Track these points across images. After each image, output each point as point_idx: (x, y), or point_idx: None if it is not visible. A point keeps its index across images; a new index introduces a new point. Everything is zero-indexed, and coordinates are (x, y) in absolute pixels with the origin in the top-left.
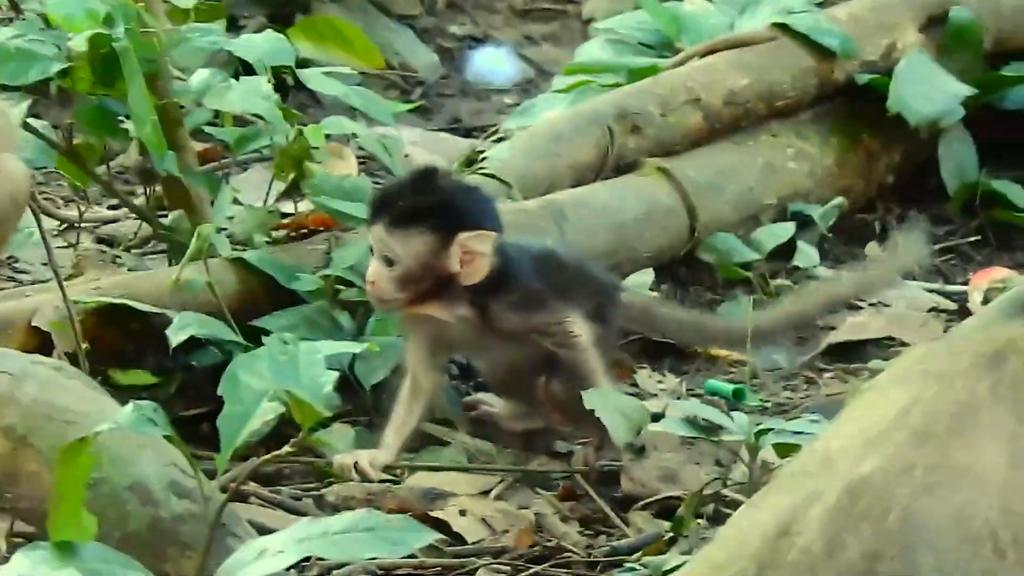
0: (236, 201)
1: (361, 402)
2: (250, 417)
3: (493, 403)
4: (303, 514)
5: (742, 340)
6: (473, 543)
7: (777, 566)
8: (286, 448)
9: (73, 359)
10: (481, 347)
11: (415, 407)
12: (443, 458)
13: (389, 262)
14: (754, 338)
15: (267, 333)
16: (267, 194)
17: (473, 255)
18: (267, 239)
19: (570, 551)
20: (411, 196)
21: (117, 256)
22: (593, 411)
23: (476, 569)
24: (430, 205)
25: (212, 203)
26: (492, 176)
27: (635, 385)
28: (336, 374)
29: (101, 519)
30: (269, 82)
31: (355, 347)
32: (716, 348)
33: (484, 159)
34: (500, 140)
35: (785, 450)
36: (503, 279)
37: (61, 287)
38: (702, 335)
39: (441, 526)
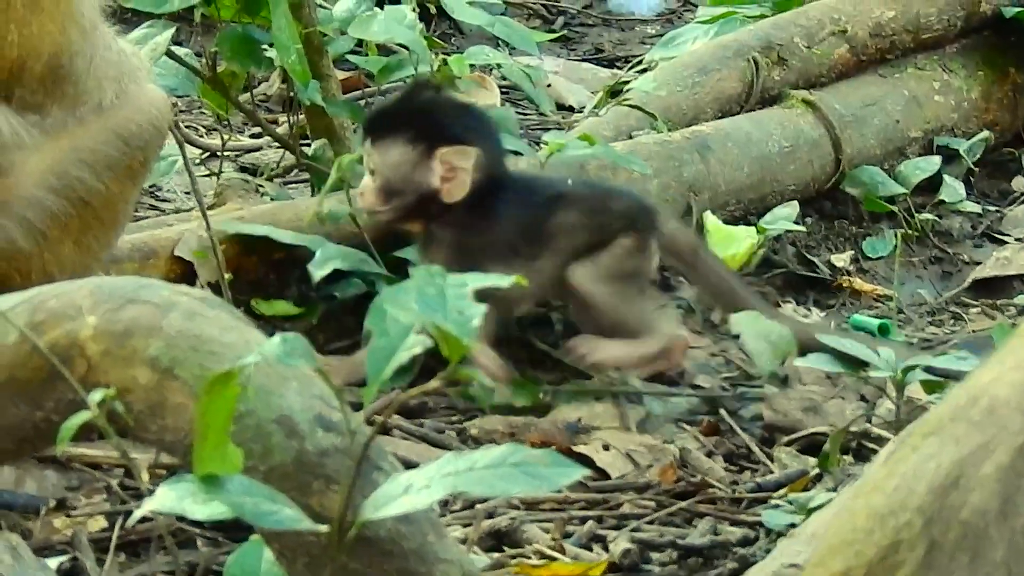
0: None
1: (505, 334)
2: (397, 350)
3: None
4: (446, 447)
5: None
6: (617, 478)
7: (947, 522)
8: (433, 382)
9: (216, 289)
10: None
11: None
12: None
13: (372, 173)
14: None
15: (409, 263)
16: None
17: (455, 171)
18: None
19: (715, 486)
20: (396, 108)
21: (259, 185)
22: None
23: (620, 504)
24: (412, 117)
25: (354, 132)
26: (636, 107)
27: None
28: (484, 307)
29: (246, 452)
30: (413, 11)
31: (503, 280)
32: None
33: (628, 90)
34: (644, 71)
35: (932, 387)
36: (486, 204)
37: (204, 216)
38: (726, 301)
39: (584, 460)
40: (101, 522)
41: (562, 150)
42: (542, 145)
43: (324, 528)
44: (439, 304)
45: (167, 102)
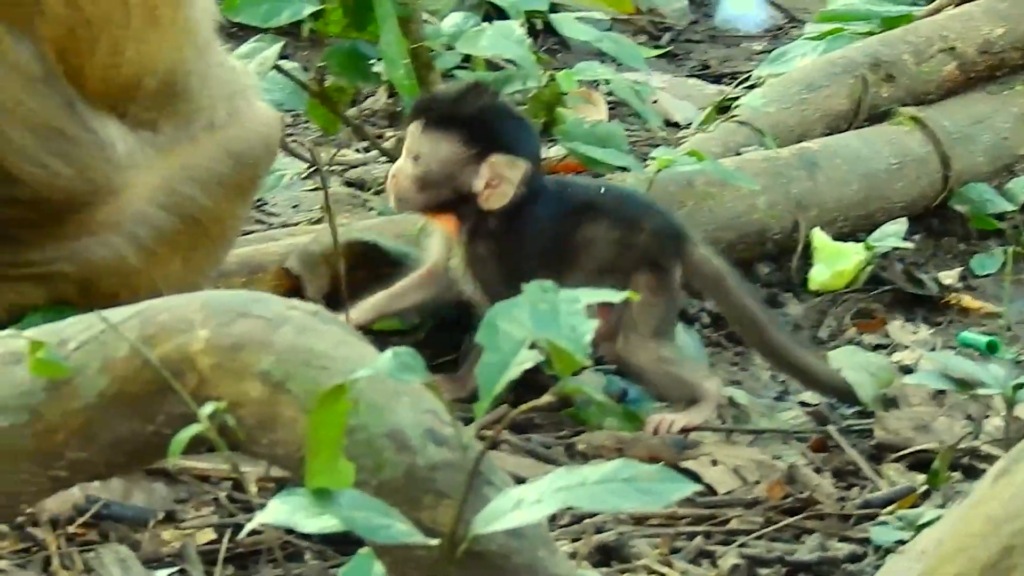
0: None
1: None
2: (509, 365)
3: None
4: (553, 462)
5: (783, 361)
6: (724, 494)
7: None
8: (545, 396)
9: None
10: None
11: (416, 292)
12: None
13: (416, 159)
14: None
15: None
16: None
17: (500, 180)
18: None
19: (823, 503)
20: (456, 104)
21: (366, 199)
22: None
23: (728, 520)
24: (471, 117)
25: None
26: (745, 123)
27: (887, 336)
28: (596, 323)
29: (357, 466)
30: (521, 27)
31: (614, 296)
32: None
33: (736, 106)
34: (752, 87)
35: None
36: (520, 216)
37: (333, 227)
38: (753, 333)
39: (692, 476)
40: (209, 534)
41: (670, 166)
42: (649, 161)
43: (435, 542)
44: (552, 320)
45: (277, 120)
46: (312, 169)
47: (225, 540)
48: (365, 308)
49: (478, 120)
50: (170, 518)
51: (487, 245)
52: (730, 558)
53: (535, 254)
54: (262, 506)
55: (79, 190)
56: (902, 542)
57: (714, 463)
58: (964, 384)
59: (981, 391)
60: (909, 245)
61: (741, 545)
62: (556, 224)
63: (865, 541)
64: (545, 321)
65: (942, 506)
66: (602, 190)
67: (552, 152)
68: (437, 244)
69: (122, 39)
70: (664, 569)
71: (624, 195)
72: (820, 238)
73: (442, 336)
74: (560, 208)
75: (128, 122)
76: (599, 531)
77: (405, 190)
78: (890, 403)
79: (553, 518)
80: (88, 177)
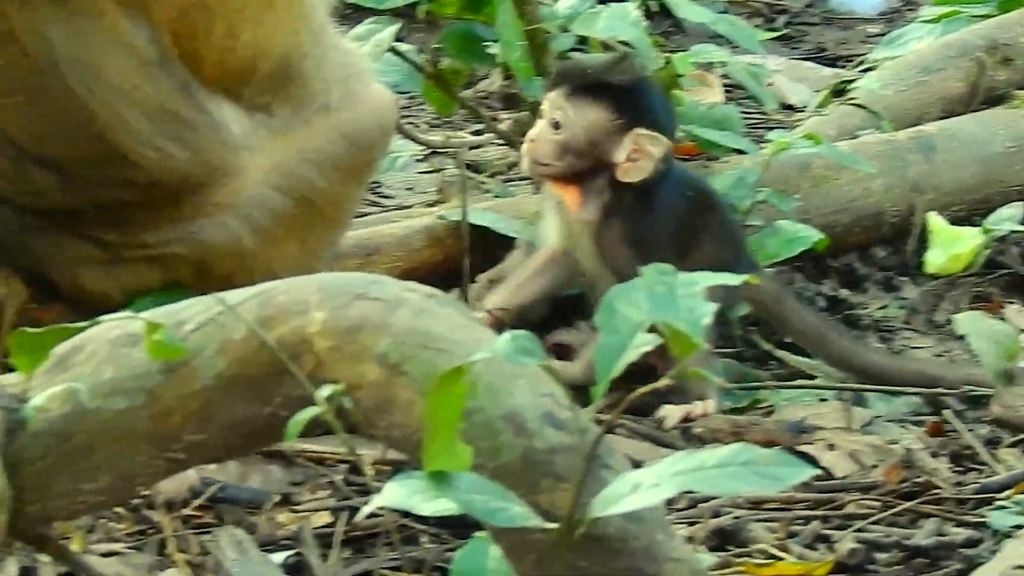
0: None
1: (728, 333)
2: (626, 348)
3: None
4: (671, 446)
5: (852, 366)
6: (841, 478)
7: None
8: (663, 380)
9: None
10: (590, 267)
11: (539, 279)
12: (809, 392)
13: (557, 126)
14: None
15: None
16: None
17: (642, 154)
18: None
19: (940, 487)
20: (606, 73)
21: (482, 182)
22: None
23: (845, 504)
24: (621, 88)
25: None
26: (861, 106)
27: (1004, 320)
28: (714, 306)
29: (474, 449)
30: (637, 8)
31: (733, 279)
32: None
33: (853, 89)
34: (868, 70)
35: None
36: (651, 194)
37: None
38: (816, 346)
39: (809, 460)
40: (325, 517)
41: (787, 148)
42: (765, 143)
43: (553, 526)
44: (670, 302)
45: (393, 102)
46: (428, 151)
47: (341, 523)
48: (494, 304)
49: (626, 92)
50: (286, 501)
51: (618, 222)
52: (847, 542)
53: (664, 234)
54: (378, 489)
55: (194, 172)
56: (1020, 527)
57: (831, 447)
58: None
59: None
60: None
61: (858, 530)
62: (683, 207)
63: (982, 526)
64: (663, 303)
65: None
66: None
67: None
68: (553, 227)
69: (237, 22)
70: (781, 553)
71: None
72: (936, 222)
73: (559, 318)
74: (686, 191)
75: (243, 105)
76: (716, 515)
77: (544, 155)
78: (1010, 380)
79: (670, 502)
80: (203, 159)
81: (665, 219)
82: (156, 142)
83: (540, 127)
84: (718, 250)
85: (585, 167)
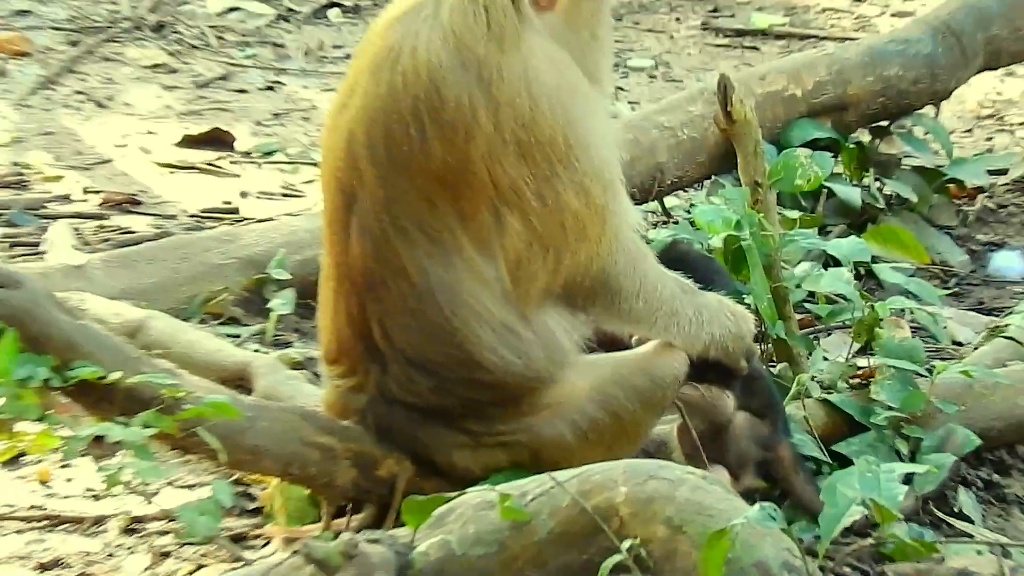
0: (824, 358)
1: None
2: (843, 516)
3: None
4: None
5: None
6: None
7: None
8: (869, 539)
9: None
10: None
11: None
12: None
13: None
14: None
15: (840, 455)
16: (847, 352)
17: None
18: (847, 385)
19: None
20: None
21: None
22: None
23: None
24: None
25: (807, 358)
26: (1010, 338)
27: None
28: (908, 487)
29: None
30: (850, 272)
31: (920, 468)
32: None
33: (1006, 326)
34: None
35: None
36: None
37: None
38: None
39: None
40: None
41: (945, 371)
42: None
43: None
44: (875, 484)
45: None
46: None
47: None
48: None
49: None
50: None
51: None
52: None
53: None
54: None
55: (526, 377)
56: None
57: None
58: None
59: None
60: None
61: None
62: None
63: None
64: (870, 485)
65: None
66: None
67: (872, 362)
68: None
69: (561, 252)
70: None
71: None
72: None
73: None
74: None
75: (567, 314)
76: None
77: None
78: None
79: None
80: (533, 368)
81: None
82: (499, 351)
83: None
84: None
85: None
